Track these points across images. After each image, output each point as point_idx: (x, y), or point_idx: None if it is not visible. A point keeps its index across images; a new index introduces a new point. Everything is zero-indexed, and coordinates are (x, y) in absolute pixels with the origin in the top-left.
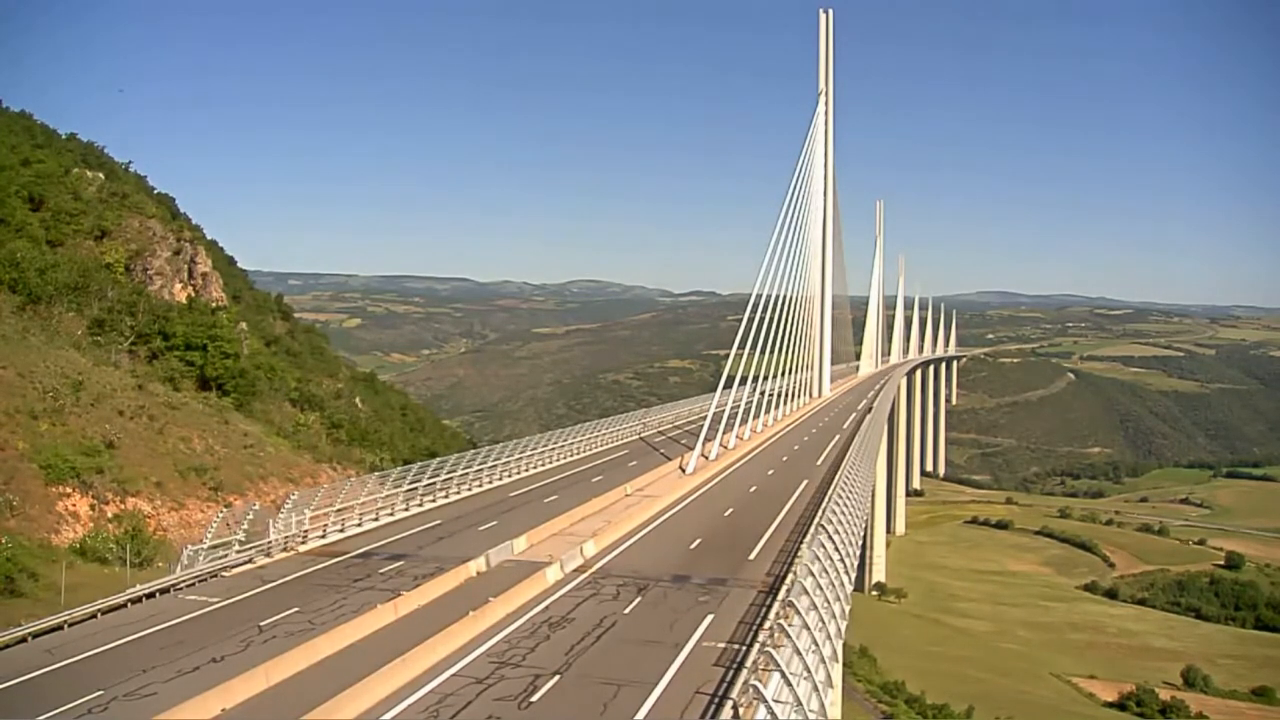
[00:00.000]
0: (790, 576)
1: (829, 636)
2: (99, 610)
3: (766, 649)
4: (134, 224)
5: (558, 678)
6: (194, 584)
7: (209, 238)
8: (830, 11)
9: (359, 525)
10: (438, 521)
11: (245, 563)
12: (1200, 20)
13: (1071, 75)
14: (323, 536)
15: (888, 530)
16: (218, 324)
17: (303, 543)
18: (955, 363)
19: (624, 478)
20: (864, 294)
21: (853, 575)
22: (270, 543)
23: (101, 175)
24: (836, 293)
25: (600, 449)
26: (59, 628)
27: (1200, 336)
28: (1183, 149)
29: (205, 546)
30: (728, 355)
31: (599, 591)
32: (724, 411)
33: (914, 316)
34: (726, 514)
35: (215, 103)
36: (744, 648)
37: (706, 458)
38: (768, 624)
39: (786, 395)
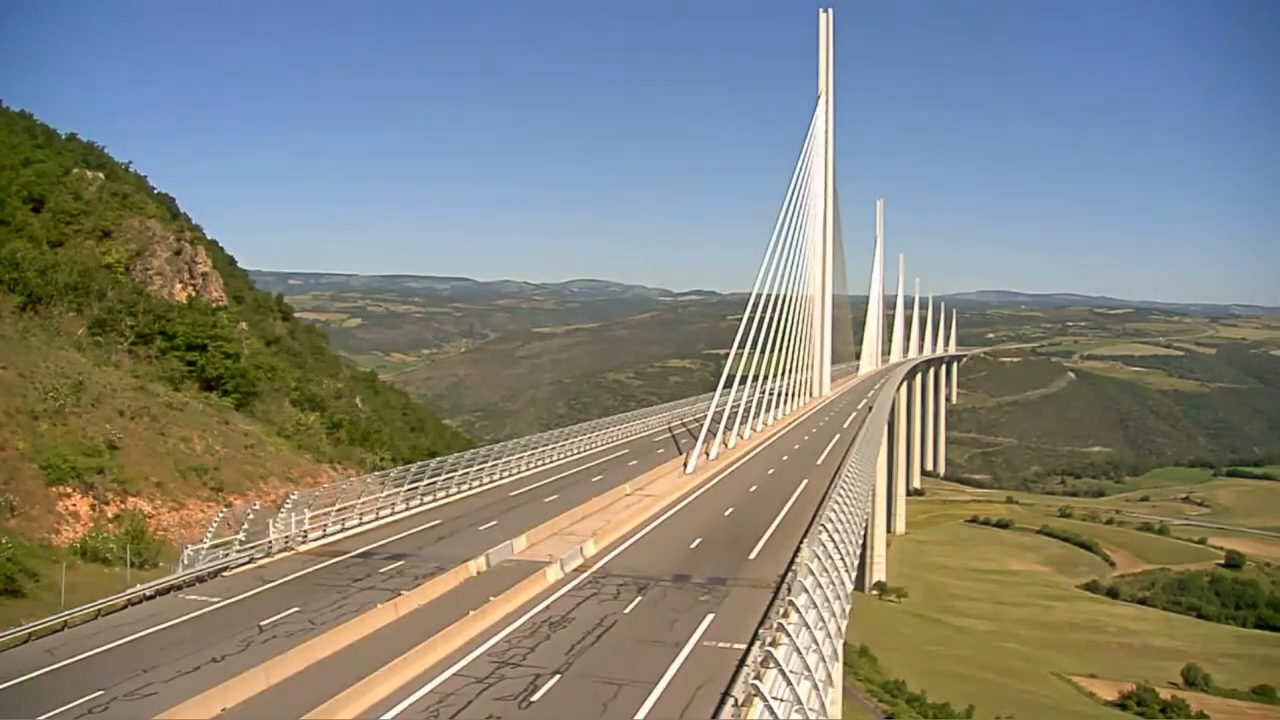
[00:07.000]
0: (791, 576)
1: (829, 635)
2: (99, 610)
3: (767, 648)
4: (134, 224)
5: (558, 677)
6: (194, 584)
7: (209, 237)
8: (830, 11)
9: (359, 525)
10: (438, 521)
11: (246, 562)
12: (1200, 20)
13: (1072, 75)
14: (323, 536)
15: (888, 530)
16: (218, 324)
17: (303, 542)
18: (955, 362)
19: (624, 477)
20: (864, 294)
21: (853, 574)
22: (270, 542)
23: (102, 175)
24: (836, 292)
25: (600, 448)
26: (60, 628)
27: (1200, 336)
28: (1183, 148)
29: (206, 546)
30: (728, 355)
31: (599, 591)
32: (724, 411)
33: (914, 316)
34: (727, 513)
35: (216, 102)
36: (744, 647)
37: (707, 456)
38: (768, 623)
39: (786, 395)
